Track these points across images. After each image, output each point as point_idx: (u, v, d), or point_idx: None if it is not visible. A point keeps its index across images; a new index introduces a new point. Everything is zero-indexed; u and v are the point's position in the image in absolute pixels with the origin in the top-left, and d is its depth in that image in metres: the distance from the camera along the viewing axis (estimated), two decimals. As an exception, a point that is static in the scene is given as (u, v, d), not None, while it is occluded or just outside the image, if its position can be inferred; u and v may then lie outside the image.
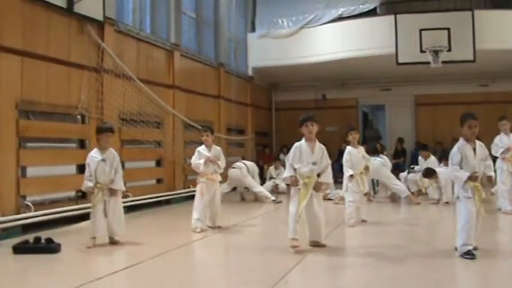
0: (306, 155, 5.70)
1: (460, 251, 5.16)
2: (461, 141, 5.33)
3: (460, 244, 5.17)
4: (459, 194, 5.27)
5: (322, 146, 5.87)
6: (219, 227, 7.31)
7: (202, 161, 7.13)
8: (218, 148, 7.49)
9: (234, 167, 11.20)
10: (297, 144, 5.81)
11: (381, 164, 10.32)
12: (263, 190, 11.13)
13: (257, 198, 11.21)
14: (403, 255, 5.51)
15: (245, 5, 16.10)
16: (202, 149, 7.30)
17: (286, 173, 5.81)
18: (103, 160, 6.10)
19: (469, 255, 5.07)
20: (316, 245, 5.81)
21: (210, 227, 7.26)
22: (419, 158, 11.47)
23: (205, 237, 6.80)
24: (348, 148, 7.82)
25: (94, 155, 6.17)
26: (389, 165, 10.82)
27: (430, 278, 4.56)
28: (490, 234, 6.42)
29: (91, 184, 6.05)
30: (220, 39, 14.15)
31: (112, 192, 6.15)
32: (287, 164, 5.87)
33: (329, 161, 5.91)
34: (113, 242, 6.18)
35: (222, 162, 7.32)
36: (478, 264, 4.97)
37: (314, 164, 5.69)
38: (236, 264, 5.48)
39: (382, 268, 4.98)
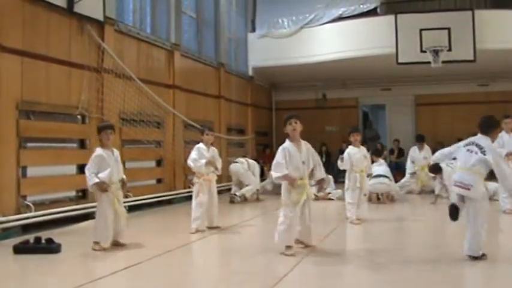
0: (294, 156, 5.51)
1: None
2: None
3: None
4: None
5: (308, 144, 5.72)
6: (217, 227, 7.29)
7: (204, 161, 7.06)
8: (215, 149, 7.44)
9: (235, 162, 11.49)
10: (283, 145, 5.59)
11: (388, 170, 10.43)
12: (252, 189, 11.13)
13: (259, 198, 11.31)
14: (403, 256, 5.51)
15: (245, 5, 16.09)
16: (202, 148, 7.23)
17: (278, 171, 5.47)
18: (116, 161, 6.05)
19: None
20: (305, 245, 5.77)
21: (208, 227, 7.24)
22: (413, 149, 11.43)
23: (204, 237, 6.80)
24: (349, 148, 7.96)
25: (105, 154, 5.97)
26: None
27: (431, 281, 4.56)
28: (494, 236, 6.38)
29: (97, 180, 5.82)
30: (220, 39, 14.15)
31: (123, 183, 6.12)
32: (276, 164, 5.52)
33: (318, 157, 5.80)
34: (119, 244, 6.07)
35: (219, 164, 7.29)
36: (481, 267, 4.96)
37: (303, 163, 5.55)
38: (236, 264, 5.48)
39: (382, 269, 4.98)
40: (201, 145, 7.27)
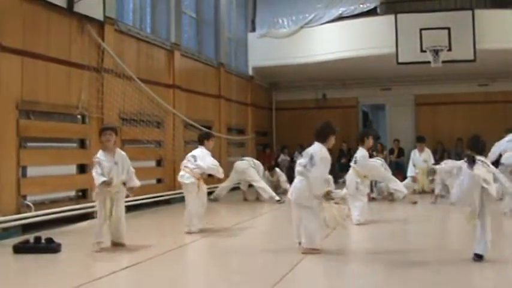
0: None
1: None
2: None
3: None
4: None
5: None
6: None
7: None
8: None
9: (242, 159, 11.55)
10: (326, 152, 5.66)
11: (380, 165, 10.37)
12: (266, 187, 11.09)
13: (259, 198, 11.24)
14: (404, 256, 5.51)
15: (245, 5, 16.09)
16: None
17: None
18: (115, 163, 5.93)
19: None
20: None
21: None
22: (414, 152, 11.40)
23: (204, 237, 6.80)
24: (361, 151, 7.95)
25: (102, 157, 5.87)
26: (388, 168, 10.79)
27: (432, 281, 4.56)
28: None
29: (104, 178, 5.76)
30: (220, 39, 14.15)
31: (130, 189, 6.09)
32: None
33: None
34: (119, 244, 6.05)
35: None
36: (481, 268, 4.95)
37: None
38: (236, 264, 5.48)
39: (383, 269, 4.98)
40: (207, 151, 7.26)
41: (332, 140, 5.69)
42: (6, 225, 6.70)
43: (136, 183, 6.19)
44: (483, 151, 5.31)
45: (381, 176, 10.30)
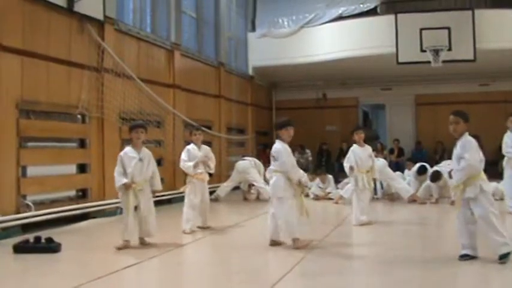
0: None
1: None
2: None
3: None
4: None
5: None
6: (208, 227, 7.29)
7: (192, 163, 7.07)
8: (207, 147, 7.47)
9: (243, 159, 11.56)
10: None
11: (384, 164, 10.36)
12: (267, 187, 11.05)
13: (259, 198, 11.23)
14: (404, 256, 5.50)
15: (245, 5, 16.09)
16: (192, 148, 7.22)
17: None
18: (140, 160, 5.98)
19: (461, 258, 5.03)
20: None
21: (200, 227, 7.24)
22: (413, 174, 11.24)
23: (205, 237, 6.81)
24: (353, 147, 7.82)
25: (130, 153, 5.96)
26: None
27: (432, 281, 4.56)
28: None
29: (126, 180, 5.85)
30: (220, 39, 14.15)
31: (153, 192, 6.20)
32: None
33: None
34: (143, 243, 6.10)
35: (212, 162, 7.31)
36: (479, 268, 4.94)
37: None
38: (236, 264, 5.48)
39: (383, 269, 4.98)
40: (191, 146, 7.26)
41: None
42: (6, 225, 6.69)
43: (158, 187, 6.27)
44: None
45: (387, 175, 10.30)
